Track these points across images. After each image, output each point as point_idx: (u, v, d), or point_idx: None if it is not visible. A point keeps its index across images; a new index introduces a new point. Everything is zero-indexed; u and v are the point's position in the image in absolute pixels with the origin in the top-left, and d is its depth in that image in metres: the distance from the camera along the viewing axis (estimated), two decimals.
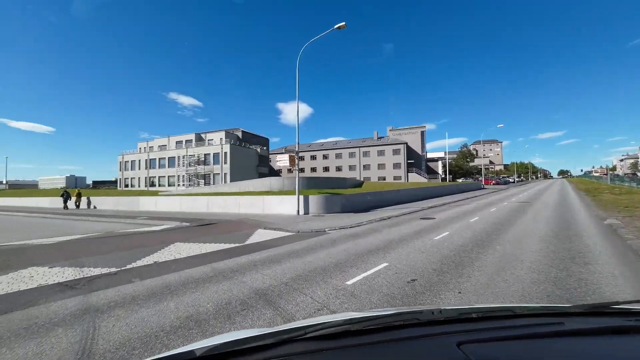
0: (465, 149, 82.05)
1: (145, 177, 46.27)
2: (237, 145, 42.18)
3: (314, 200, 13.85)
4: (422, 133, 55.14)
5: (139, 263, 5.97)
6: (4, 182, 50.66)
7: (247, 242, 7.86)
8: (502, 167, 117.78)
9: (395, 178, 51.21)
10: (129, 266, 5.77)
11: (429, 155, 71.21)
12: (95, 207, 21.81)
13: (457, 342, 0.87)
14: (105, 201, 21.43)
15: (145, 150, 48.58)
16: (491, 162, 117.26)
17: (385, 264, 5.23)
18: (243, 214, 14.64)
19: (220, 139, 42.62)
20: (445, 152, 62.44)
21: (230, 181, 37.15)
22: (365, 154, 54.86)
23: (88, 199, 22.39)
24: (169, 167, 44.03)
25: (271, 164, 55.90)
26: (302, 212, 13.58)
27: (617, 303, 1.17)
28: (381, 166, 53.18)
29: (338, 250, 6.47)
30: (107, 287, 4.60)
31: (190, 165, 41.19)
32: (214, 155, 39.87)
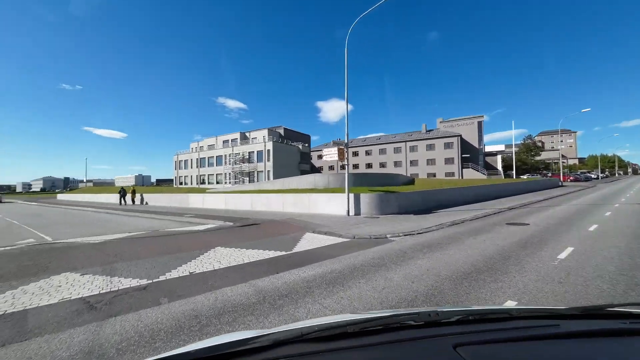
0: (529, 140, 71.57)
1: (196, 175, 49.26)
2: (280, 142, 42.20)
3: (366, 199, 12.12)
4: (479, 124, 49.03)
5: (173, 273, 5.01)
6: (84, 180, 58.62)
7: (295, 250, 6.54)
8: (576, 161, 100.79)
9: (447, 174, 46.48)
10: (161, 277, 4.83)
11: (486, 148, 63.59)
12: (147, 203, 23.07)
13: (453, 344, 0.87)
14: (160, 198, 22.52)
15: (196, 150, 51.74)
16: (562, 156, 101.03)
17: (513, 303, 3.35)
18: (288, 213, 13.58)
19: (263, 136, 43.10)
20: (510, 145, 55.08)
21: (273, 178, 37.17)
22: (413, 148, 50.87)
23: (141, 195, 23.81)
24: (216, 165, 46.11)
25: (312, 161, 55.30)
26: (352, 212, 11.96)
27: (612, 305, 1.16)
28: (431, 162, 48.78)
29: (419, 271, 4.71)
30: (129, 309, 3.60)
31: (235, 163, 42.46)
32: (257, 153, 40.43)
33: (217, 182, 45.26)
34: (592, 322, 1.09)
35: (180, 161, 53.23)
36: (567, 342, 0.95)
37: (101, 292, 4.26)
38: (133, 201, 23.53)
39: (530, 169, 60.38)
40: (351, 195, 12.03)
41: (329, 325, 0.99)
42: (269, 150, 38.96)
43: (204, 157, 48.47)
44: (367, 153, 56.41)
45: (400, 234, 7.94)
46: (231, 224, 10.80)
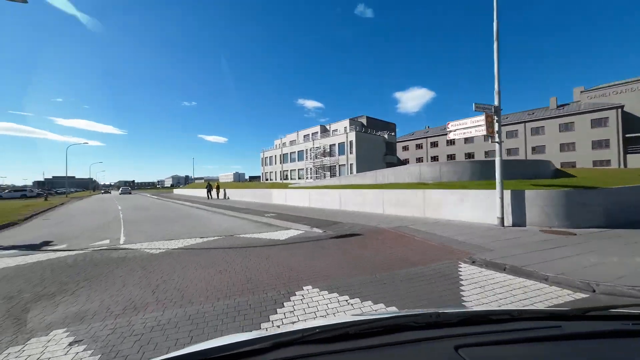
0: None
1: (280, 171, 50.59)
2: (363, 132, 38.33)
3: (537, 199, 7.16)
4: None
5: None
6: (192, 177, 68.72)
7: None
8: None
9: (596, 163, 33.40)
10: None
11: None
12: (228, 198, 24.53)
13: (454, 345, 0.86)
14: (246, 193, 22.17)
15: (279, 147, 53.32)
16: None
17: None
18: (392, 216, 9.85)
19: (345, 127, 40.16)
20: None
21: (357, 172, 33.75)
22: (536, 130, 38.96)
23: (224, 190, 25.66)
24: (298, 160, 45.94)
25: (398, 154, 49.47)
26: (509, 220, 7.28)
27: (615, 307, 1.15)
28: (566, 147, 36.18)
29: None
30: None
31: (316, 158, 41.04)
32: (338, 146, 37.71)
33: (299, 178, 45.10)
34: (594, 323, 1.08)
35: (265, 158, 56.02)
36: (569, 343, 0.93)
37: None
38: (217, 195, 25.61)
39: None
40: (506, 193, 7.34)
41: (329, 327, 0.97)
42: (351, 142, 35.60)
43: (286, 153, 49.19)
44: (468, 140, 46.71)
45: None
46: (320, 231, 7.82)
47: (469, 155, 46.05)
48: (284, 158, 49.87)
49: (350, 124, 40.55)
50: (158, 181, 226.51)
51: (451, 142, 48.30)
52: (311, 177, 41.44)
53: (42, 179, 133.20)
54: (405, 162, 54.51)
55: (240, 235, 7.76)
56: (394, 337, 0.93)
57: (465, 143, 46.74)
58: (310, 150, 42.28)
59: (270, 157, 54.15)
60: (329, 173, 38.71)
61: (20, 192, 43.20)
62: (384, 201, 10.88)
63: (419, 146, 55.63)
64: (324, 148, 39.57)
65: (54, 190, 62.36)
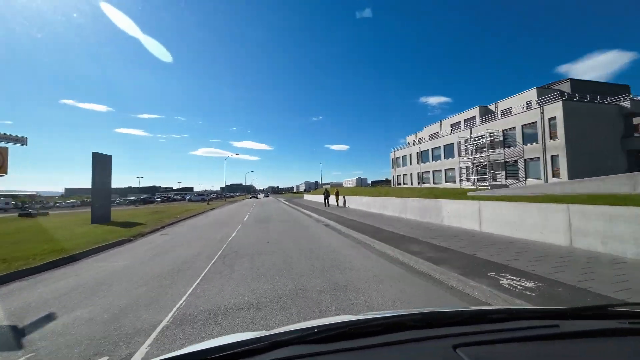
0: None
1: (417, 173, 41.09)
2: (577, 101, 23.29)
3: None
4: None
5: None
6: (320, 182, 69.50)
7: None
8: None
9: None
10: None
11: None
12: (348, 206, 20.97)
13: (453, 344, 0.86)
14: (386, 204, 15.07)
15: (415, 143, 44.03)
16: None
17: None
18: None
19: (527, 102, 26.34)
20: None
21: (568, 170, 20.15)
22: None
23: (344, 198, 22.41)
24: (445, 157, 35.04)
25: None
26: None
27: (612, 305, 1.13)
28: None
29: None
30: None
31: (476, 152, 29.24)
32: (522, 130, 24.38)
33: (447, 181, 34.30)
34: (591, 322, 1.06)
35: (397, 158, 47.97)
36: (567, 342, 0.93)
37: None
38: (337, 203, 22.76)
39: None
40: None
41: (328, 326, 0.96)
42: (551, 119, 21.81)
43: (426, 150, 39.22)
44: None
45: None
46: None
47: None
48: (422, 156, 40.14)
49: (540, 95, 26.16)
50: (295, 186, 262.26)
51: None
52: (469, 180, 29.95)
53: (224, 185, 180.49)
54: None
55: None
56: (393, 336, 0.92)
57: None
58: (466, 142, 30.69)
59: (404, 156, 45.53)
60: (502, 172, 26.18)
61: (200, 197, 55.95)
62: None
63: None
64: (492, 136, 27.19)
65: (224, 194, 79.06)
